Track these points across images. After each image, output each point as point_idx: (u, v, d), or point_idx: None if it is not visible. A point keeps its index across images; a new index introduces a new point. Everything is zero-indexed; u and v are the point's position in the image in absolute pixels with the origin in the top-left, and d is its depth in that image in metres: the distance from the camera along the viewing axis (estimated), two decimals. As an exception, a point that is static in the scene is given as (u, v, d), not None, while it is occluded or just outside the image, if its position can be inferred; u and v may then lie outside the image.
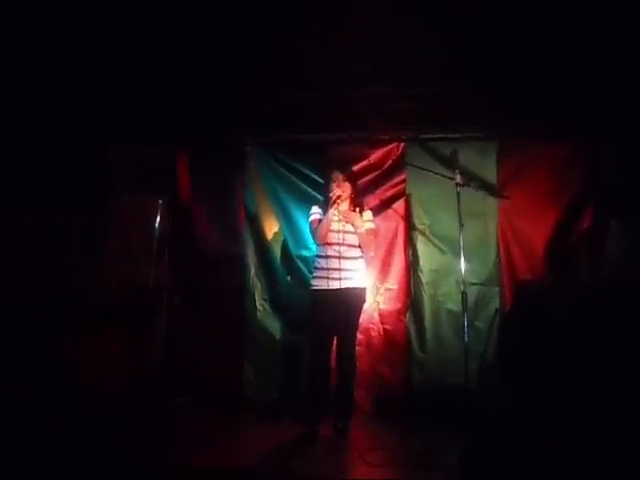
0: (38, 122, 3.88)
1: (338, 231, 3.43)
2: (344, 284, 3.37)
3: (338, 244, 3.42)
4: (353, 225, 3.45)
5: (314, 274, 3.52)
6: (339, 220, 3.45)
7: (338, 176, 3.52)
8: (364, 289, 3.52)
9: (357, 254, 3.47)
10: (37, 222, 3.81)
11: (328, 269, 3.40)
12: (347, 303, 3.40)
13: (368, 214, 3.60)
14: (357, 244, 3.46)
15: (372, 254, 3.70)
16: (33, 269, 3.69)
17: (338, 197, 3.42)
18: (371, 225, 3.56)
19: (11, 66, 3.52)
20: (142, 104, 4.05)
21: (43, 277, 3.75)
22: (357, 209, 3.53)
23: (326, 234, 3.42)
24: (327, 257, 3.43)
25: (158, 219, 4.17)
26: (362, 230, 3.48)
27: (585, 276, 3.49)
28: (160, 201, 4.19)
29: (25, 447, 2.86)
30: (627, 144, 3.63)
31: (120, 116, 4.11)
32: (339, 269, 3.37)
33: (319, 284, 3.44)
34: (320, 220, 3.47)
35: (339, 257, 3.39)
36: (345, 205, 3.51)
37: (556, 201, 3.80)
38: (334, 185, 3.47)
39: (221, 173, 4.30)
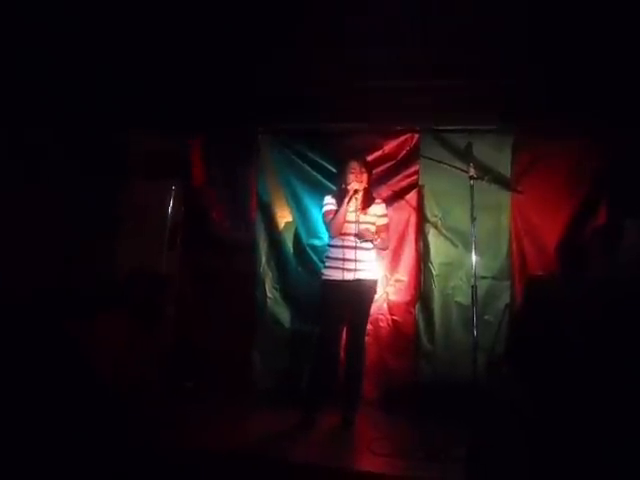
0: (53, 107, 3.89)
1: (355, 222, 3.39)
2: (358, 275, 3.35)
3: (356, 235, 3.37)
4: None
5: (327, 264, 3.49)
6: (355, 211, 3.41)
7: (355, 167, 3.44)
8: (376, 281, 3.52)
9: (370, 245, 3.45)
10: (50, 206, 3.83)
11: (342, 259, 3.37)
12: (359, 294, 3.40)
13: (382, 208, 3.57)
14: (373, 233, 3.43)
15: (386, 249, 3.71)
16: (45, 253, 3.73)
17: (356, 191, 3.38)
18: (385, 220, 3.55)
19: (29, 49, 3.53)
20: (156, 90, 4.05)
21: (55, 261, 3.79)
22: (372, 201, 3.51)
23: (342, 227, 3.38)
24: (341, 247, 3.40)
25: (171, 205, 4.19)
26: (380, 224, 3.49)
27: (598, 273, 3.46)
28: (173, 187, 4.21)
29: (30, 431, 2.90)
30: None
31: (134, 102, 4.12)
32: (354, 260, 3.34)
33: (332, 274, 3.41)
34: (335, 211, 3.42)
35: (354, 248, 3.35)
36: (360, 196, 3.46)
37: (570, 197, 3.77)
38: (351, 176, 3.41)
39: (234, 160, 4.31)
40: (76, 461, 2.69)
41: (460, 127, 3.93)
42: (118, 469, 2.68)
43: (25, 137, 3.76)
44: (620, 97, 3.53)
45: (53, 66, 3.72)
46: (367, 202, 3.49)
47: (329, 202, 3.51)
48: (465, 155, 3.49)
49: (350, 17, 3.41)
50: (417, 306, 3.95)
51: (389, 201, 3.96)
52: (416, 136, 4.05)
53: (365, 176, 3.47)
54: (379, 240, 3.45)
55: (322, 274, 3.51)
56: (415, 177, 4.04)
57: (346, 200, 3.36)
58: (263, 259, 4.17)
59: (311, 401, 3.46)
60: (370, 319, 3.75)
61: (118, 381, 3.56)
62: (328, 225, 3.47)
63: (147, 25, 3.55)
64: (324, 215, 3.51)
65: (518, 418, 3.14)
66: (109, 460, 2.75)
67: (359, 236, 3.35)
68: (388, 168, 4.08)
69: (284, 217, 4.21)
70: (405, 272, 4.02)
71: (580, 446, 2.64)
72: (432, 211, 3.98)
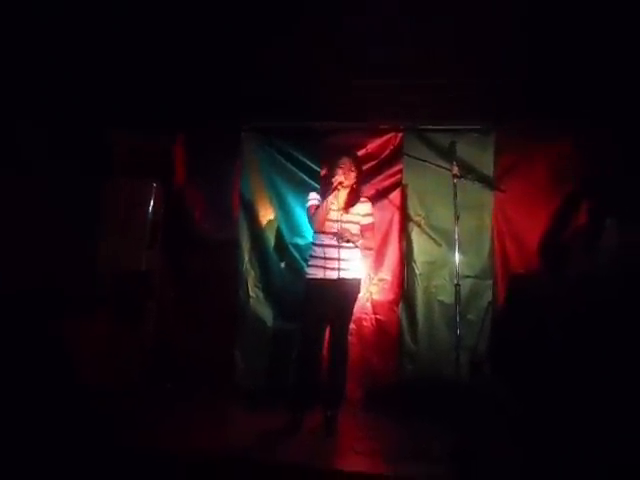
0: (34, 104, 3.81)
1: (336, 220, 3.36)
2: (341, 274, 3.30)
3: (335, 234, 3.33)
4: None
5: (310, 262, 3.46)
6: (338, 209, 3.38)
7: (346, 163, 3.39)
8: (360, 280, 3.49)
9: (353, 244, 3.41)
10: (30, 205, 3.75)
11: (325, 258, 3.34)
12: (342, 293, 3.36)
13: (368, 207, 3.52)
14: (355, 234, 3.40)
15: (372, 249, 3.70)
16: (25, 253, 3.64)
17: (340, 183, 3.31)
18: (370, 219, 3.52)
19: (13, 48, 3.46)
20: (138, 88, 3.98)
21: (35, 261, 3.71)
22: (358, 200, 3.46)
23: (324, 221, 3.35)
24: (324, 246, 3.36)
25: (152, 203, 4.13)
26: (365, 223, 3.46)
27: (578, 271, 3.50)
28: (154, 185, 4.15)
29: (17, 428, 2.86)
30: (624, 142, 3.62)
31: (116, 100, 4.04)
32: (337, 259, 3.29)
33: (315, 273, 3.38)
34: (318, 206, 3.38)
35: (337, 246, 3.31)
36: (344, 193, 3.43)
37: (552, 196, 3.80)
38: (339, 170, 3.35)
39: (217, 158, 4.26)
40: (57, 461, 2.65)
41: (443, 127, 3.93)
42: (99, 470, 2.64)
43: (7, 132, 3.68)
44: (602, 96, 3.56)
45: (37, 64, 3.64)
46: (352, 201, 3.45)
47: (313, 197, 3.49)
48: (448, 154, 3.49)
49: (339, 15, 3.37)
50: (400, 305, 3.95)
51: (372, 200, 3.95)
52: (399, 135, 4.06)
53: (353, 175, 3.43)
54: (360, 241, 3.43)
55: (306, 273, 3.49)
56: (399, 176, 4.05)
57: (329, 194, 3.32)
58: (246, 257, 4.14)
59: (297, 401, 3.43)
60: (353, 318, 3.74)
61: (100, 381, 3.51)
62: (310, 219, 3.44)
63: (131, 22, 3.47)
64: (308, 209, 3.48)
65: (502, 416, 3.15)
66: (89, 461, 2.71)
67: (338, 236, 3.32)
68: (372, 167, 4.06)
69: (267, 215, 4.18)
70: (389, 271, 4.02)
71: (565, 442, 2.65)
72: (415, 210, 3.98)
